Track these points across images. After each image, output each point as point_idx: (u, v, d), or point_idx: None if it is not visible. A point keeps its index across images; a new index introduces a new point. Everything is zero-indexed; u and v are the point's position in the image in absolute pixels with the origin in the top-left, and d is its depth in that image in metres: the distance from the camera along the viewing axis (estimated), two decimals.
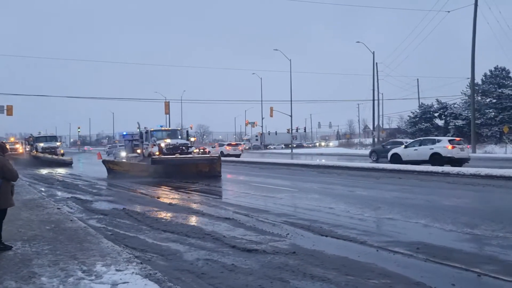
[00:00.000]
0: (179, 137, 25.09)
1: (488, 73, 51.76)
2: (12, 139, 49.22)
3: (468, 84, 50.34)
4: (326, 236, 7.90)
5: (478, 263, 5.95)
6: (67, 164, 34.88)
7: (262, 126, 79.34)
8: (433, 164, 22.00)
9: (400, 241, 7.38)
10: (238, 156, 42.95)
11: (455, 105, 54.89)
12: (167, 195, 14.95)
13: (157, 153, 22.05)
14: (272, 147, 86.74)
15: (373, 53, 50.48)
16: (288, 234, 8.08)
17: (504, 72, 50.86)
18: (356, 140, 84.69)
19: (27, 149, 38.41)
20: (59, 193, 16.25)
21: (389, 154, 25.75)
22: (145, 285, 4.85)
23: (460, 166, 21.28)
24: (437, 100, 57.28)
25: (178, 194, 15.24)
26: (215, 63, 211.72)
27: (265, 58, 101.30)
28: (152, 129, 24.56)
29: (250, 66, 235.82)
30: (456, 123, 50.82)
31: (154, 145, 23.19)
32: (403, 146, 25.50)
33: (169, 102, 50.06)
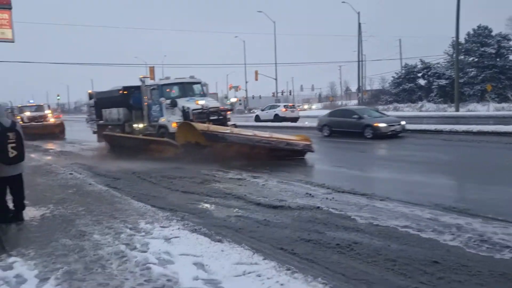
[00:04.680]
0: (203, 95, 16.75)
1: (471, 32, 52.19)
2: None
3: (451, 44, 50.83)
4: (342, 192, 8.33)
5: None
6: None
7: (246, 90, 78.96)
8: (274, 121, 32.75)
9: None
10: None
11: (438, 65, 55.45)
12: None
13: (174, 124, 14.70)
14: (256, 111, 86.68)
15: (358, 13, 50.25)
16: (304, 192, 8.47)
17: (486, 30, 51.24)
18: (339, 103, 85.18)
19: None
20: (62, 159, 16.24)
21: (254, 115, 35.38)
22: (196, 239, 5.16)
23: (293, 122, 31.63)
24: (421, 60, 57.73)
25: None
26: (195, 26, 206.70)
27: (248, 21, 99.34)
28: (164, 83, 16.39)
29: (232, 29, 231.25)
30: (440, 83, 51.54)
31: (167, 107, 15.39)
32: (261, 109, 35.98)
33: (153, 67, 49.26)
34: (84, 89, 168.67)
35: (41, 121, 28.90)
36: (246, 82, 73.92)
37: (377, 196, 7.71)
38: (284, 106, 36.78)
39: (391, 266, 4.59)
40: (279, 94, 66.46)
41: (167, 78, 16.88)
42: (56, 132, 28.08)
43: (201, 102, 15.13)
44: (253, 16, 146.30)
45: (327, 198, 7.76)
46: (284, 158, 13.17)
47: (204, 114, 14.94)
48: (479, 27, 51.78)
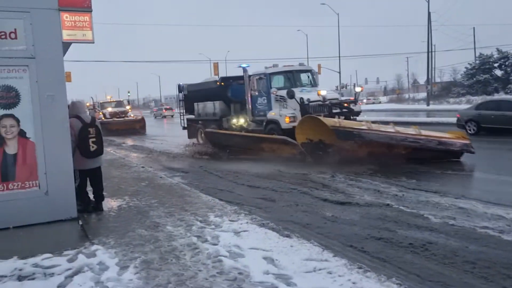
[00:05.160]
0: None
1: None
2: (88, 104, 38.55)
3: None
4: (414, 189, 8.01)
5: None
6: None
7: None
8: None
9: None
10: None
11: None
12: None
13: (287, 118, 12.86)
14: None
15: (428, 1, 47.84)
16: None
17: None
18: (406, 96, 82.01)
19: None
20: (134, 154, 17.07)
21: None
22: (265, 233, 5.21)
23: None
24: (498, 50, 53.97)
25: None
26: (259, 21, 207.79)
27: (310, 15, 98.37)
28: (272, 71, 14.37)
29: (295, 23, 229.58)
30: None
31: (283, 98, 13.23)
32: None
33: (217, 63, 50.21)
34: (152, 86, 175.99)
35: (123, 117, 29.19)
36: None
37: None
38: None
39: (470, 268, 4.35)
40: (343, 88, 65.15)
41: (275, 65, 14.75)
42: (137, 128, 28.03)
43: (323, 92, 12.80)
44: (316, 9, 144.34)
45: None
46: (430, 160, 10.64)
47: (325, 107, 12.79)
48: None
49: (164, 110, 61.09)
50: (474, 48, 63.22)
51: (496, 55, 53.50)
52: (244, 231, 5.34)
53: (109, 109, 29.66)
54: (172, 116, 56.82)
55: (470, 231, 5.48)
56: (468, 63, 57.49)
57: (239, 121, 15.24)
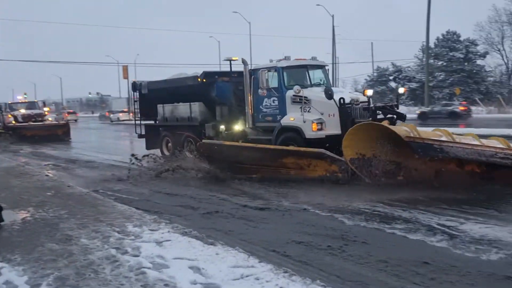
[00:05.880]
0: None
1: (441, 37, 53.79)
2: None
3: (421, 48, 52.17)
4: None
5: None
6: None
7: None
8: None
9: None
10: None
11: (409, 68, 56.92)
12: None
13: (314, 125, 10.12)
14: None
15: (333, 16, 50.91)
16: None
17: (455, 35, 52.98)
18: None
19: None
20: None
21: None
22: (189, 242, 5.11)
23: None
24: (392, 64, 59.10)
25: None
26: (168, 25, 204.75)
27: (223, 21, 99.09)
28: (285, 64, 11.21)
29: (208, 29, 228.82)
30: (410, 86, 52.86)
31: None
32: None
33: (127, 66, 48.43)
34: (52, 88, 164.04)
35: (40, 120, 25.04)
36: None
37: None
38: None
39: (383, 267, 4.65)
40: None
41: (287, 58, 11.41)
42: (59, 134, 23.92)
43: (369, 92, 10.44)
44: (229, 17, 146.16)
45: None
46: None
47: (369, 111, 10.30)
48: (448, 32, 53.49)
49: (66, 114, 57.03)
50: (372, 62, 68.56)
51: (391, 69, 58.56)
52: (167, 240, 5.19)
53: (22, 111, 25.28)
54: (75, 120, 53.56)
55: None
56: (368, 75, 62.26)
57: (233, 128, 11.88)
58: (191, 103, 13.03)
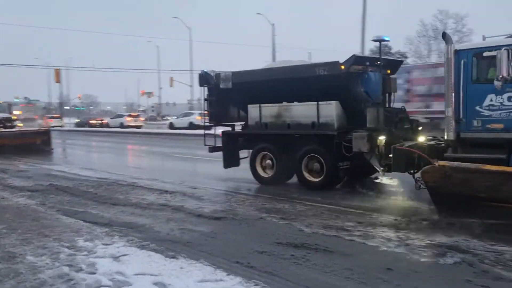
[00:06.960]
0: None
1: (374, 48, 56.62)
2: None
3: None
4: None
5: None
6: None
7: (159, 96, 77.35)
8: (189, 129, 32.34)
9: None
10: (139, 127, 43.23)
11: None
12: None
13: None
14: (170, 118, 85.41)
15: (273, 25, 51.74)
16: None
17: (387, 48, 56.01)
18: None
19: None
20: None
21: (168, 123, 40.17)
22: (148, 256, 4.84)
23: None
24: None
25: None
26: (103, 28, 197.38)
27: (164, 26, 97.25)
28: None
29: (146, 34, 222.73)
30: None
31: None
32: (175, 117, 39.77)
33: (59, 69, 45.88)
34: None
35: (10, 126, 21.24)
36: (160, 88, 72.38)
37: None
38: (199, 114, 36.10)
39: (349, 275, 4.67)
40: (194, 101, 65.99)
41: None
42: (38, 143, 19.69)
43: None
44: (169, 22, 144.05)
45: None
46: None
47: None
48: (381, 44, 56.52)
49: (49, 120, 50.29)
50: None
51: None
52: (124, 255, 4.89)
53: None
54: (61, 126, 48.85)
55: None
56: None
57: (404, 140, 8.66)
58: (320, 102, 9.28)
